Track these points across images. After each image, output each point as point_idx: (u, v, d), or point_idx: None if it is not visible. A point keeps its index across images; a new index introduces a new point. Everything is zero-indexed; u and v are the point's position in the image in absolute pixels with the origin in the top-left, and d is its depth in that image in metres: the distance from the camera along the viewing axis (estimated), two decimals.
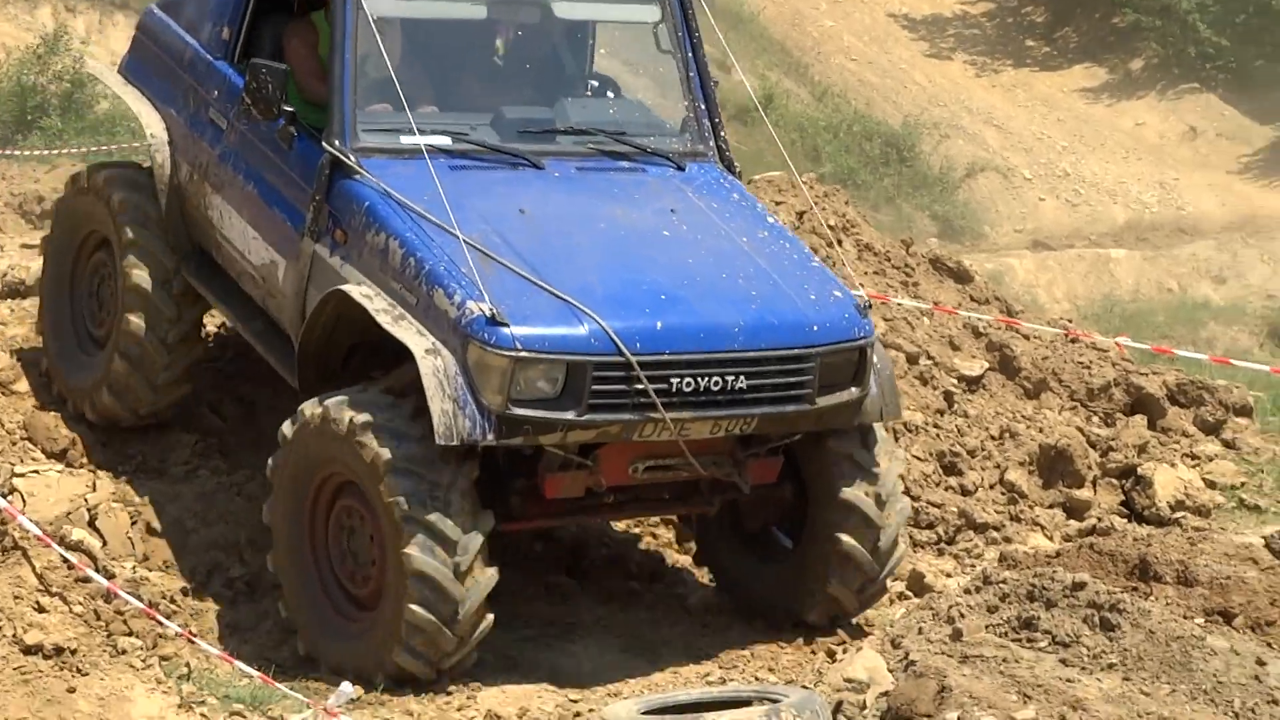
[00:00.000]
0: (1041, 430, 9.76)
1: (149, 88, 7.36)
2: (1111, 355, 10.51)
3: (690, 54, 7.14)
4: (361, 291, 5.89)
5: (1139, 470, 9.29)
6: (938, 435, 9.29)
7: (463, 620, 5.61)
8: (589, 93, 7.30)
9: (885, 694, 5.45)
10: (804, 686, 5.64)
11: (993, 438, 9.49)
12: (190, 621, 6.76)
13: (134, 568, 6.87)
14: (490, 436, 5.59)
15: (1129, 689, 5.32)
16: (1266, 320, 19.58)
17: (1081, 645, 5.58)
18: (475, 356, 5.59)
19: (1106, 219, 24.77)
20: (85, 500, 7.01)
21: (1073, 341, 10.59)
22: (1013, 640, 5.74)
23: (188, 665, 6.27)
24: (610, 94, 7.43)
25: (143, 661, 6.19)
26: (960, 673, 5.42)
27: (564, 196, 6.64)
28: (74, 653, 6.02)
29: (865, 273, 10.39)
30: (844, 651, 6.66)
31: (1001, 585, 6.19)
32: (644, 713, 5.26)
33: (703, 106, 7.10)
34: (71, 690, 5.70)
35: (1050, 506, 9.30)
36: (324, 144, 6.16)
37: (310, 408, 5.82)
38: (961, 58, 29.92)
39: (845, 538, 6.41)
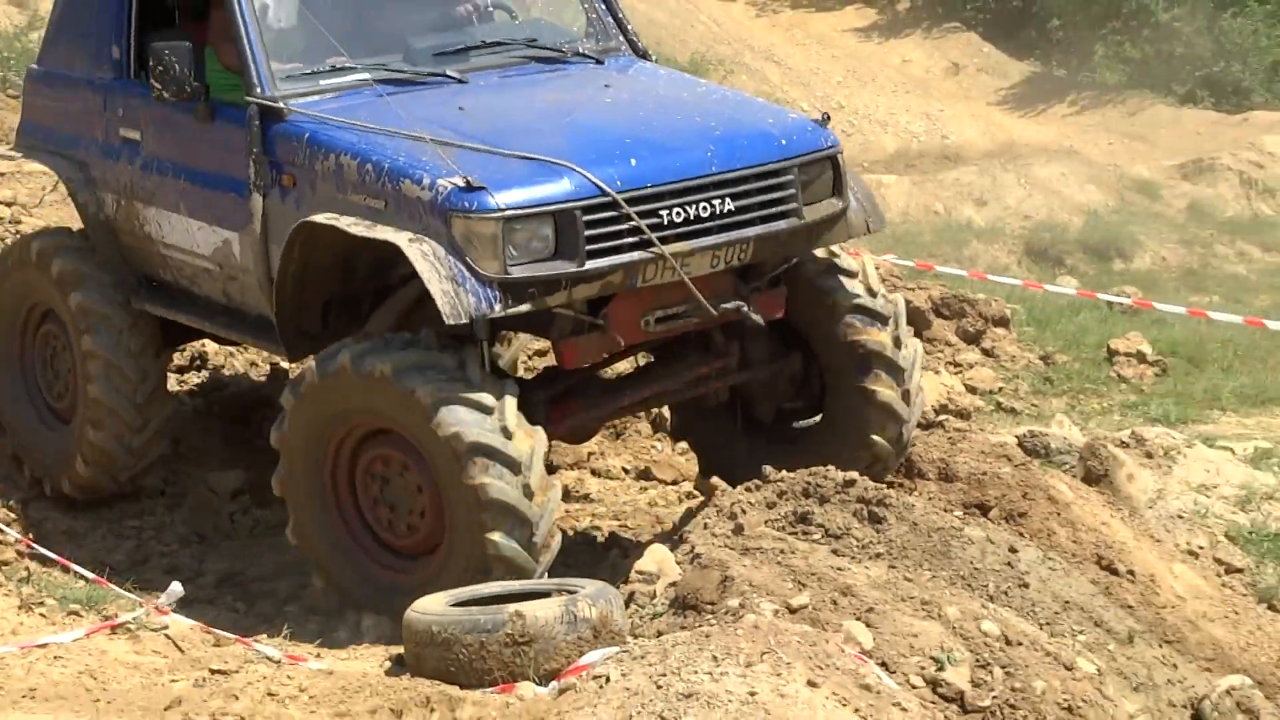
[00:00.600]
0: None
1: (51, 141, 7.31)
2: (880, 272, 11.04)
3: None
4: (325, 216, 5.79)
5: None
6: None
7: (539, 542, 5.61)
8: (489, 18, 7.20)
9: (673, 584, 5.75)
10: (600, 579, 5.84)
11: None
12: (29, 529, 7.13)
13: None
14: (497, 307, 5.49)
15: (894, 575, 5.69)
16: (1022, 239, 20.74)
17: (851, 537, 5.93)
18: (461, 229, 5.51)
19: (878, 148, 26.11)
20: None
21: None
22: (789, 534, 6.06)
23: (27, 570, 6.64)
24: (510, 16, 7.39)
25: None
26: (741, 564, 5.68)
27: (498, 94, 6.53)
28: None
29: None
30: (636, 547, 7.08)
31: (779, 484, 6.47)
32: (452, 605, 5.51)
33: (603, 5, 7.11)
34: None
35: None
36: (246, 98, 6.07)
37: (325, 364, 5.73)
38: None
39: (879, 389, 6.48)
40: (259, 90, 6.06)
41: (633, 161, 5.76)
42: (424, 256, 5.44)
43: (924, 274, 12.35)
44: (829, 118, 6.50)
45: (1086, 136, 25.87)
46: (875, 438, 6.56)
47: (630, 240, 5.69)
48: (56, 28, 7.32)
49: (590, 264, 5.59)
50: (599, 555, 7.50)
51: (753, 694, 4.49)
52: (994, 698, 5.15)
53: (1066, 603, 6.39)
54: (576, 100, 6.71)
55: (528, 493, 5.48)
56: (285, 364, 7.90)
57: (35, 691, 5.17)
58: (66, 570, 6.68)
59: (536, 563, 5.57)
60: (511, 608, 5.32)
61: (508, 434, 5.45)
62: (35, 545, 6.75)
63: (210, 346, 8.81)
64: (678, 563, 6.11)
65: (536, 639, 5.27)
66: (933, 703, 4.96)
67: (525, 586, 5.69)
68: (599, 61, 6.89)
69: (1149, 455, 8.21)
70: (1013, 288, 12.70)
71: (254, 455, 7.71)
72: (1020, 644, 5.54)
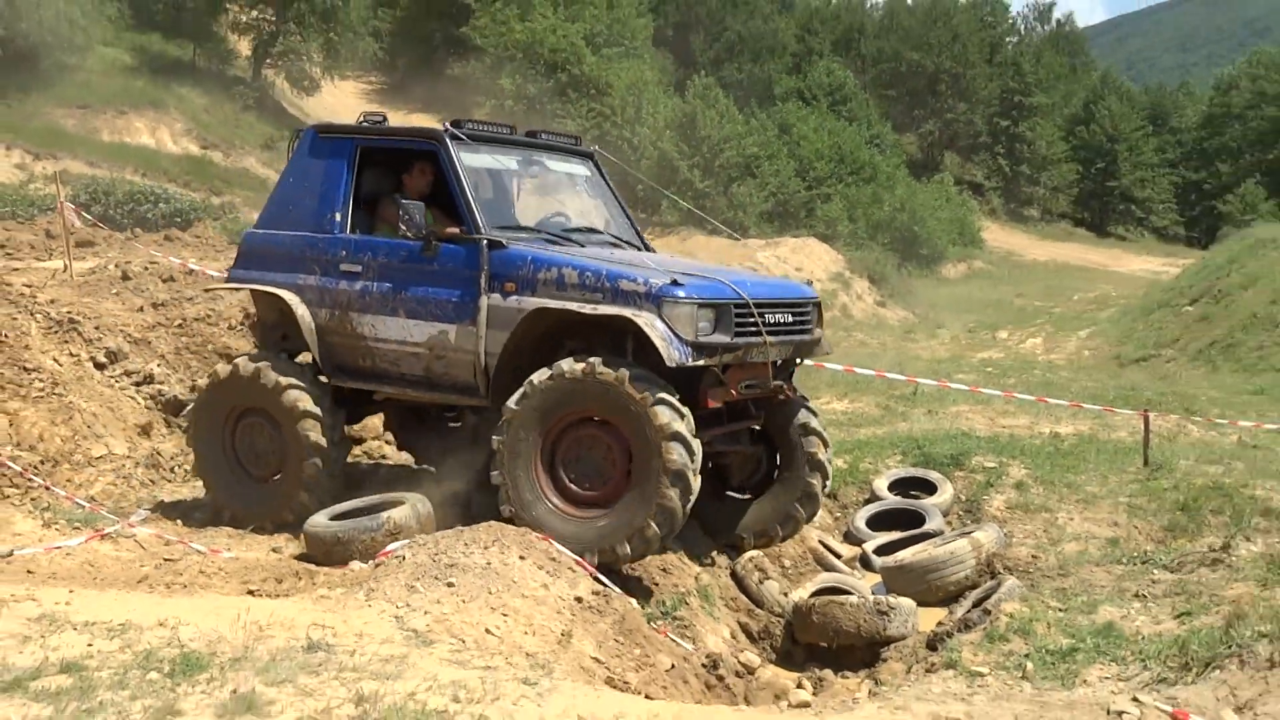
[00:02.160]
0: None
1: (264, 279, 8.42)
2: None
3: (611, 189, 9.16)
4: (556, 303, 7.32)
5: None
6: None
7: (690, 504, 7.09)
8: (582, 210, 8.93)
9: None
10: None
11: None
12: (48, 478, 8.51)
13: (13, 450, 8.55)
14: (689, 359, 7.05)
15: None
16: None
17: None
18: (669, 309, 7.07)
19: None
20: None
21: None
22: None
23: (47, 503, 8.16)
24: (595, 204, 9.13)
25: (19, 502, 8.03)
26: (478, 496, 8.07)
27: (617, 249, 8.36)
28: None
29: None
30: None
31: None
32: (331, 518, 7.49)
33: (628, 217, 9.18)
34: None
35: None
36: (476, 236, 7.63)
37: (559, 372, 7.07)
38: None
39: (814, 483, 8.36)
40: (484, 231, 7.64)
41: (748, 285, 7.61)
42: (649, 324, 7.00)
43: None
44: (810, 282, 8.59)
45: (662, 251, 30.91)
46: (799, 513, 8.43)
47: (750, 331, 7.41)
48: (280, 205, 8.59)
49: (733, 340, 7.31)
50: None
51: (489, 564, 6.34)
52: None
53: None
54: (678, 260, 8.53)
55: (694, 471, 6.95)
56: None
57: (55, 575, 6.79)
58: (71, 503, 8.20)
59: (683, 517, 7.09)
60: (384, 515, 7.46)
61: (692, 432, 6.97)
62: (52, 488, 8.33)
63: None
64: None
65: (401, 531, 7.35)
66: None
67: (385, 498, 7.88)
68: (638, 249, 8.76)
69: None
70: None
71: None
72: None
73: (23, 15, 31.37)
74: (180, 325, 11.11)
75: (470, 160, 7.98)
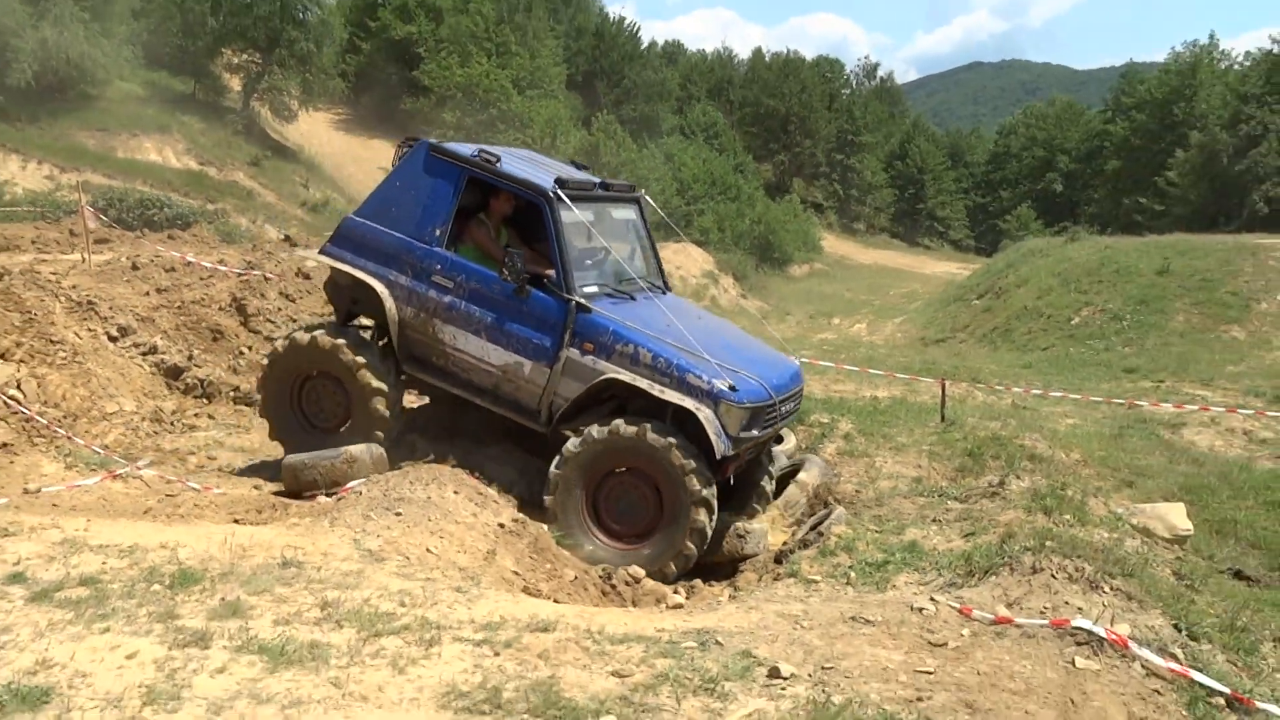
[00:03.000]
0: None
1: (357, 264, 7.69)
2: None
3: (648, 232, 8.56)
4: (629, 376, 7.00)
5: None
6: None
7: (711, 525, 6.89)
8: (630, 253, 8.35)
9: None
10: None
11: None
12: (69, 429, 8.34)
13: (40, 406, 8.37)
14: (730, 451, 6.85)
15: (487, 445, 8.13)
16: None
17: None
18: (725, 409, 6.83)
19: None
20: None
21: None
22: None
23: (69, 450, 7.97)
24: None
25: (45, 449, 7.84)
26: (423, 441, 8.01)
27: (661, 309, 7.71)
28: (8, 445, 7.70)
29: None
30: None
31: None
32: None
33: (656, 260, 8.63)
34: (11, 462, 7.50)
35: None
36: (567, 296, 7.19)
37: (623, 430, 6.82)
38: None
39: (756, 506, 8.03)
40: (575, 292, 7.20)
41: (772, 379, 7.28)
42: (707, 420, 6.77)
43: None
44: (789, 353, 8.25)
45: None
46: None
47: (770, 422, 7.24)
48: (382, 203, 7.75)
49: (758, 433, 7.10)
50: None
51: (429, 497, 6.36)
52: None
53: None
54: (706, 323, 8.05)
55: (711, 522, 6.85)
56: None
57: (74, 508, 6.70)
58: (90, 449, 8.05)
59: (708, 540, 6.92)
60: (344, 449, 7.34)
61: (714, 498, 6.84)
62: (73, 437, 8.10)
63: None
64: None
65: (356, 463, 7.25)
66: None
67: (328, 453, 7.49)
68: (664, 292, 8.38)
69: None
70: None
71: None
72: None
73: (54, 54, 30.97)
74: (179, 307, 10.90)
75: (568, 218, 7.38)
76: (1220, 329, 21.71)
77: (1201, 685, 4.55)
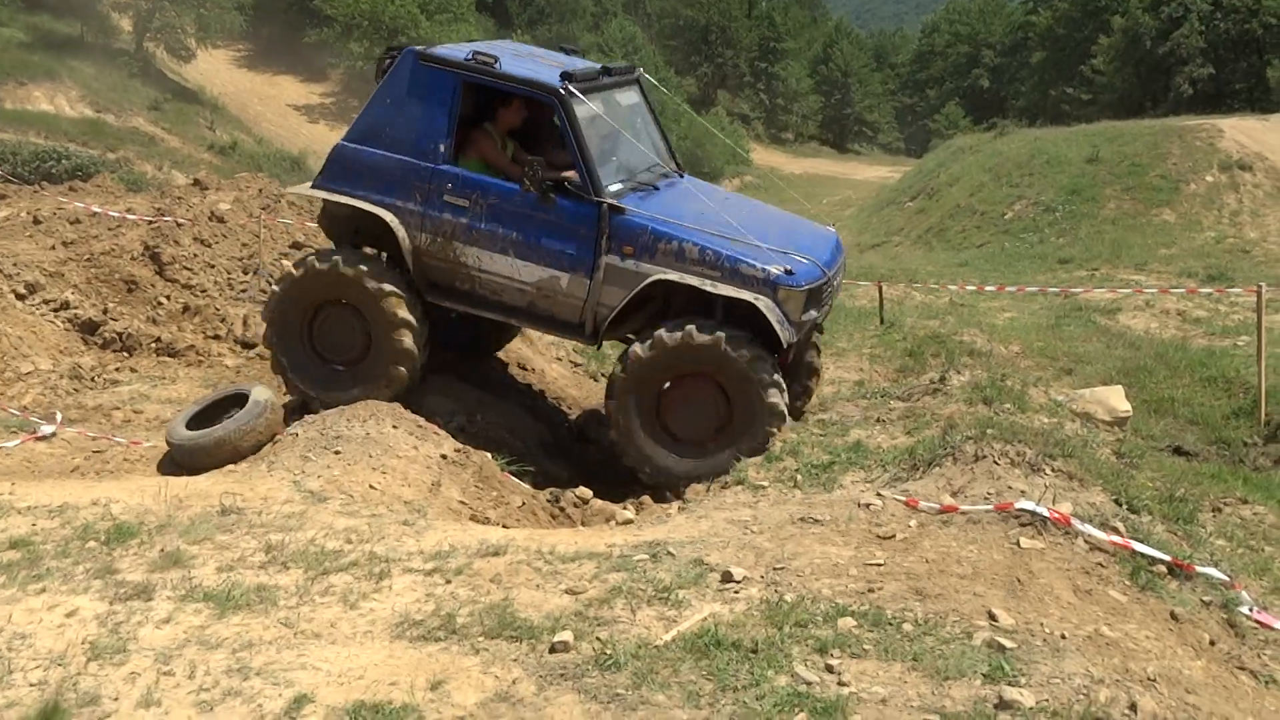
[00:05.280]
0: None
1: (357, 195, 7.11)
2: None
3: (654, 114, 8.01)
4: (678, 275, 6.67)
5: None
6: None
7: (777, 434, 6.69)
8: (643, 140, 7.76)
9: None
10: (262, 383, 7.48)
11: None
12: None
13: None
14: (794, 337, 6.70)
15: (430, 376, 8.05)
16: None
17: None
18: (783, 295, 6.62)
19: None
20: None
21: None
22: None
23: None
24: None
25: None
26: None
27: (695, 196, 7.41)
28: None
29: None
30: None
31: None
32: (185, 425, 6.82)
33: (665, 144, 8.11)
34: None
35: None
36: (596, 199, 6.75)
37: (696, 335, 6.53)
38: None
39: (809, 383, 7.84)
40: (604, 194, 6.78)
41: (822, 255, 7.05)
42: (768, 309, 6.55)
43: None
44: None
45: None
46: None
47: (824, 299, 7.08)
48: (373, 124, 7.15)
49: (815, 313, 6.92)
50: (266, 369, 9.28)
51: (368, 434, 6.34)
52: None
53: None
54: (736, 203, 7.83)
55: (784, 411, 6.70)
56: None
57: None
58: (5, 410, 7.74)
59: (786, 419, 6.76)
60: (256, 401, 6.82)
61: (778, 380, 6.67)
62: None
63: None
64: None
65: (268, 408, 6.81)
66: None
67: (227, 391, 7.29)
68: (680, 175, 7.92)
69: None
70: None
71: None
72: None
73: None
74: (89, 259, 10.60)
75: (581, 113, 6.89)
76: (1151, 213, 22.18)
77: (1143, 555, 4.74)
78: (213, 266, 11.09)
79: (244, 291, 10.86)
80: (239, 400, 7.02)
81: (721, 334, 6.53)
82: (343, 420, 6.59)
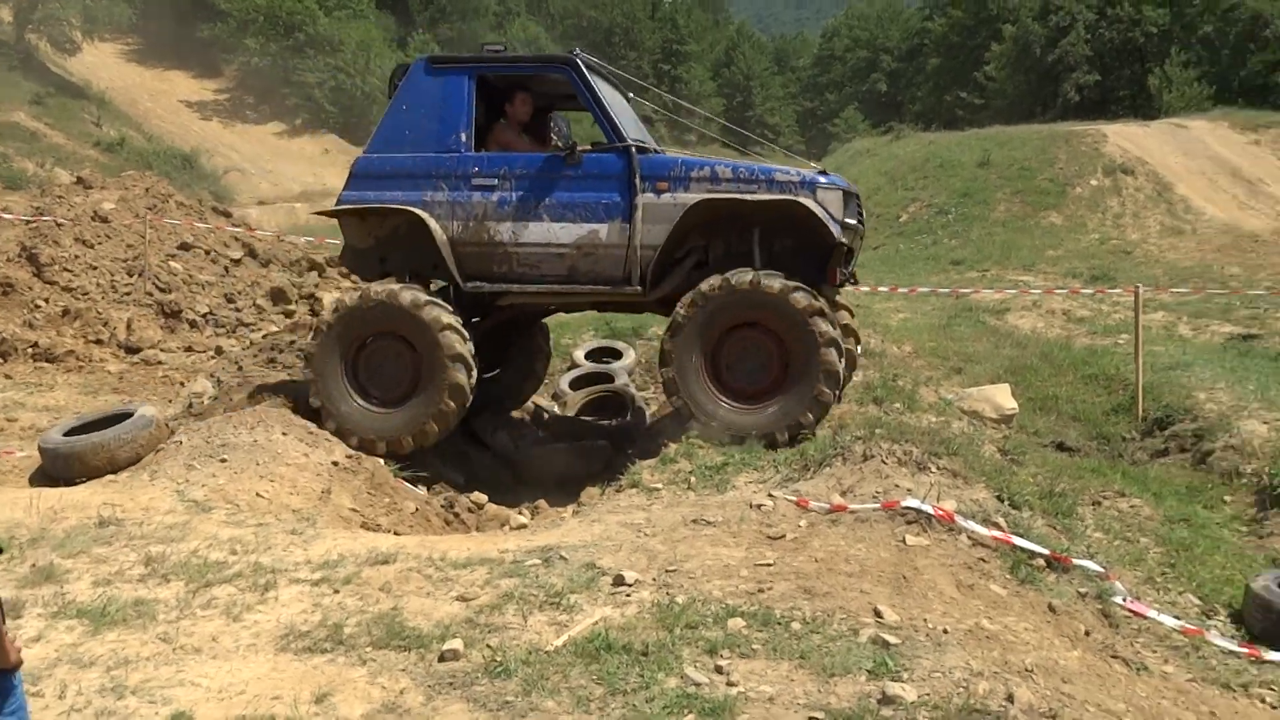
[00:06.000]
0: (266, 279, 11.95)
1: (384, 199, 7.15)
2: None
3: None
4: (721, 194, 6.73)
5: (315, 294, 11.36)
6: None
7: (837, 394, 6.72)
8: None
9: (214, 397, 7.43)
10: (150, 401, 7.27)
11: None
12: None
13: None
14: (843, 238, 6.66)
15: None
16: None
17: (296, 368, 7.69)
18: (823, 195, 6.68)
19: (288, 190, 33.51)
20: None
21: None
22: (267, 366, 7.85)
23: None
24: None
25: None
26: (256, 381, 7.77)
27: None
28: None
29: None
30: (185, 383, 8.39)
31: (265, 342, 8.21)
32: (64, 434, 6.60)
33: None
34: None
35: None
36: (625, 146, 6.89)
37: (735, 278, 6.48)
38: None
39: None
40: (626, 138, 6.93)
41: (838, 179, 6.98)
42: (814, 205, 6.60)
43: (320, 246, 14.30)
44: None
45: None
46: None
47: (859, 216, 7.01)
48: (393, 131, 7.27)
49: (856, 222, 6.90)
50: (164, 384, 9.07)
51: (255, 441, 6.26)
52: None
53: None
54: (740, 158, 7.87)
55: (843, 349, 6.62)
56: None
57: None
58: None
59: (840, 383, 6.75)
60: (142, 414, 6.71)
61: (838, 337, 6.60)
62: None
63: None
64: (220, 381, 7.83)
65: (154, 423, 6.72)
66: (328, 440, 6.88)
67: (108, 410, 7.07)
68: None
69: None
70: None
71: None
72: None
73: None
74: None
75: (593, 78, 7.15)
76: (1039, 215, 22.84)
77: (1023, 549, 4.88)
78: (95, 268, 10.76)
79: (128, 294, 10.52)
80: (124, 419, 6.81)
81: (791, 282, 6.53)
82: (230, 427, 6.48)
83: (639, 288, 6.96)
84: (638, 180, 6.88)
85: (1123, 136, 26.26)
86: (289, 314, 10.49)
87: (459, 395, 6.88)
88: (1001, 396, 8.86)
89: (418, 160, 7.21)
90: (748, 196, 6.71)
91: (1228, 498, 7.68)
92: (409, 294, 6.91)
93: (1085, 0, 45.66)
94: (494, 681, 3.71)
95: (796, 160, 8.75)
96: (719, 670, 3.75)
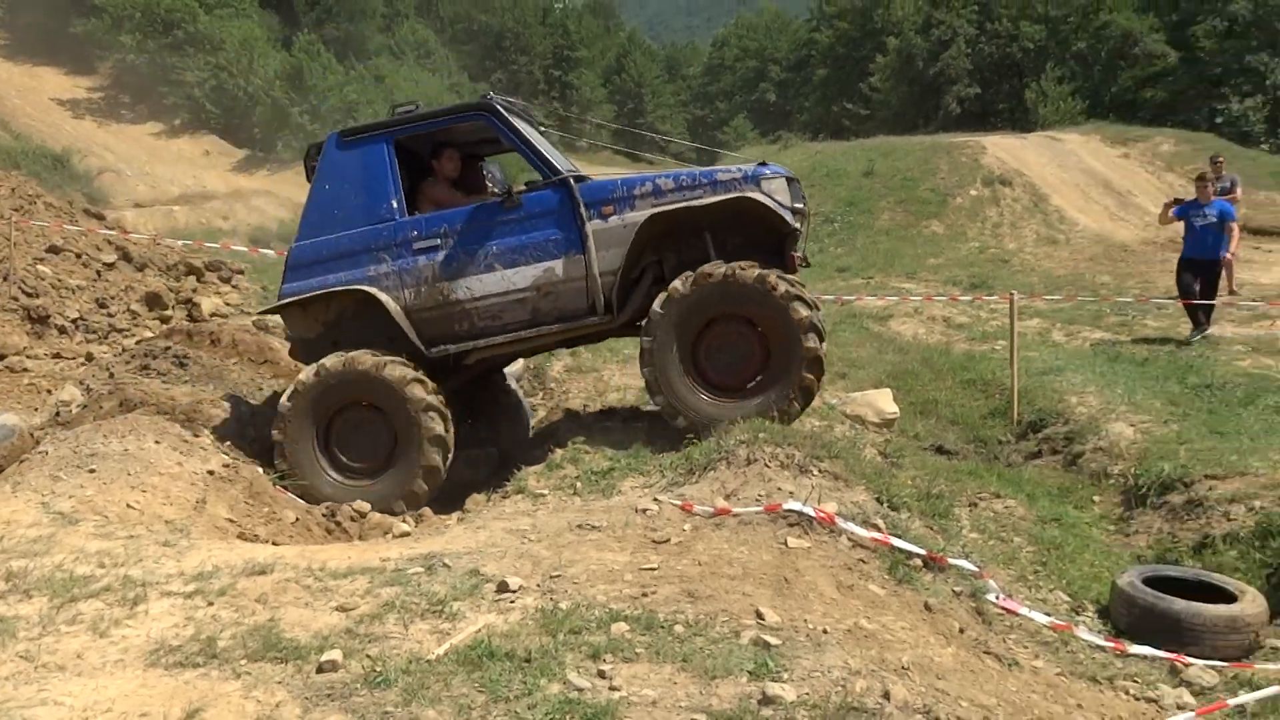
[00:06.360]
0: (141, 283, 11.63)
1: (328, 283, 7.02)
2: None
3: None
4: (669, 205, 6.73)
5: (193, 299, 11.21)
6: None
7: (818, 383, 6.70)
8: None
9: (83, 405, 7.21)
10: (13, 410, 7.06)
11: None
12: None
13: None
14: (795, 224, 6.75)
15: (196, 390, 7.45)
16: (247, 234, 25.12)
17: (173, 374, 7.63)
18: (768, 185, 6.71)
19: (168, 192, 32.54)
20: None
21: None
22: (141, 373, 7.67)
23: None
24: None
25: None
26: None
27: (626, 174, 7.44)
28: None
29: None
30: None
31: (143, 346, 7.92)
32: None
33: None
34: None
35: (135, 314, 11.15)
36: (562, 179, 6.88)
37: (705, 273, 6.50)
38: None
39: None
40: (563, 172, 6.96)
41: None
42: (764, 198, 6.65)
43: (198, 250, 14.15)
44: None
45: (278, 185, 35.14)
46: None
47: (801, 194, 7.01)
48: (320, 215, 7.13)
49: (803, 205, 6.97)
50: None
51: (126, 450, 6.04)
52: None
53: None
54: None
55: (822, 358, 6.63)
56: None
57: None
58: None
59: (817, 388, 6.78)
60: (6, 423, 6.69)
61: (821, 327, 6.62)
62: None
63: None
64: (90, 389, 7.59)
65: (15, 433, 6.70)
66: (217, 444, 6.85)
67: None
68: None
69: None
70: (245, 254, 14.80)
71: None
72: None
73: None
74: None
75: (511, 118, 7.14)
76: (921, 225, 23.42)
77: (901, 550, 5.01)
78: None
79: None
80: None
81: (768, 271, 6.55)
82: (99, 436, 6.26)
83: (607, 316, 6.96)
84: (582, 210, 6.87)
85: (1001, 148, 27.10)
86: (165, 319, 10.19)
87: (432, 477, 6.81)
88: (883, 401, 9.08)
89: (354, 237, 7.09)
90: (695, 203, 6.76)
91: (1096, 498, 7.99)
92: (390, 365, 6.84)
93: (966, 15, 47.05)
94: (373, 692, 3.65)
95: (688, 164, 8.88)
96: (602, 675, 3.76)
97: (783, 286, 6.51)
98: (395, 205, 7.09)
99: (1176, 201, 13.02)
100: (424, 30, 62.85)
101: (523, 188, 7.03)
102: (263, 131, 41.73)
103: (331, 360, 6.93)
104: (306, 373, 6.98)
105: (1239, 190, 15.24)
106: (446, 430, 6.87)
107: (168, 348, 7.86)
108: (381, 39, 60.23)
